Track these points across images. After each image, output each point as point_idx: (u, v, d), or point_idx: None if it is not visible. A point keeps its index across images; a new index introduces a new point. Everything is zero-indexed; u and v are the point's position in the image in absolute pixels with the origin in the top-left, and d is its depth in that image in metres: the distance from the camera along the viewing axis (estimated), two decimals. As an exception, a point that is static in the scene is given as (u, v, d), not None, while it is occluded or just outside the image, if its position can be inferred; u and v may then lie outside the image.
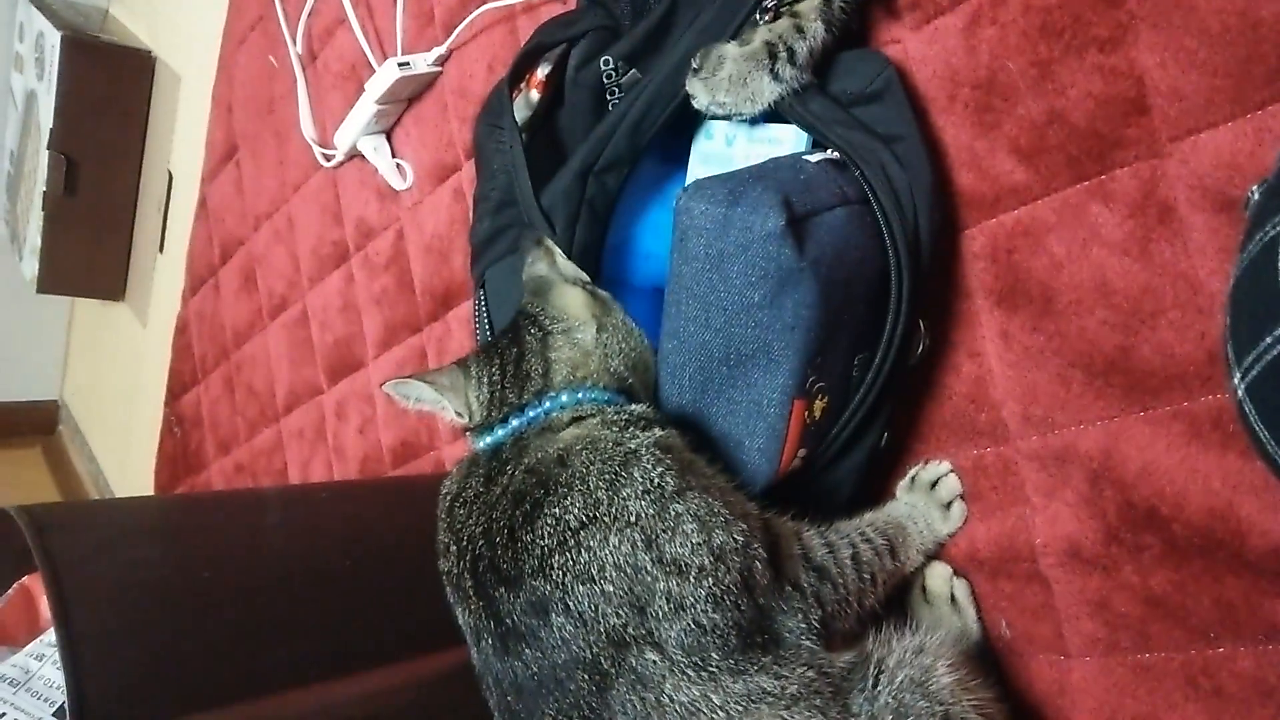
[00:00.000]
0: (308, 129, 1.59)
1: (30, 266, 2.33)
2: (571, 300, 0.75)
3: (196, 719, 0.64)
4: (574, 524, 0.61)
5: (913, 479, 0.82)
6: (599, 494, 0.62)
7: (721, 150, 0.87)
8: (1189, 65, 0.67)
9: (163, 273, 2.24)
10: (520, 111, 0.86)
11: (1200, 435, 0.67)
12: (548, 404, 0.70)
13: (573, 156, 0.81)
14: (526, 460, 0.66)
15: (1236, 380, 0.47)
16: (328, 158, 1.54)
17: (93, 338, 2.71)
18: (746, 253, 0.65)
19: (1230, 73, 0.65)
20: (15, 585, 0.93)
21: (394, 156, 1.43)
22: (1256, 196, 0.52)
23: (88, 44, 2.15)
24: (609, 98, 0.83)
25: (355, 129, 1.42)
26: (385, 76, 1.32)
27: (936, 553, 0.81)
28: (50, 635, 0.81)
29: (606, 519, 0.61)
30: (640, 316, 0.76)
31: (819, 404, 0.72)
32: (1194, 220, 0.67)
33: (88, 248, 2.33)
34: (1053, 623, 0.75)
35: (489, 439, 0.70)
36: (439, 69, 1.32)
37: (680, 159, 0.88)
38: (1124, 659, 0.71)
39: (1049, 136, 0.74)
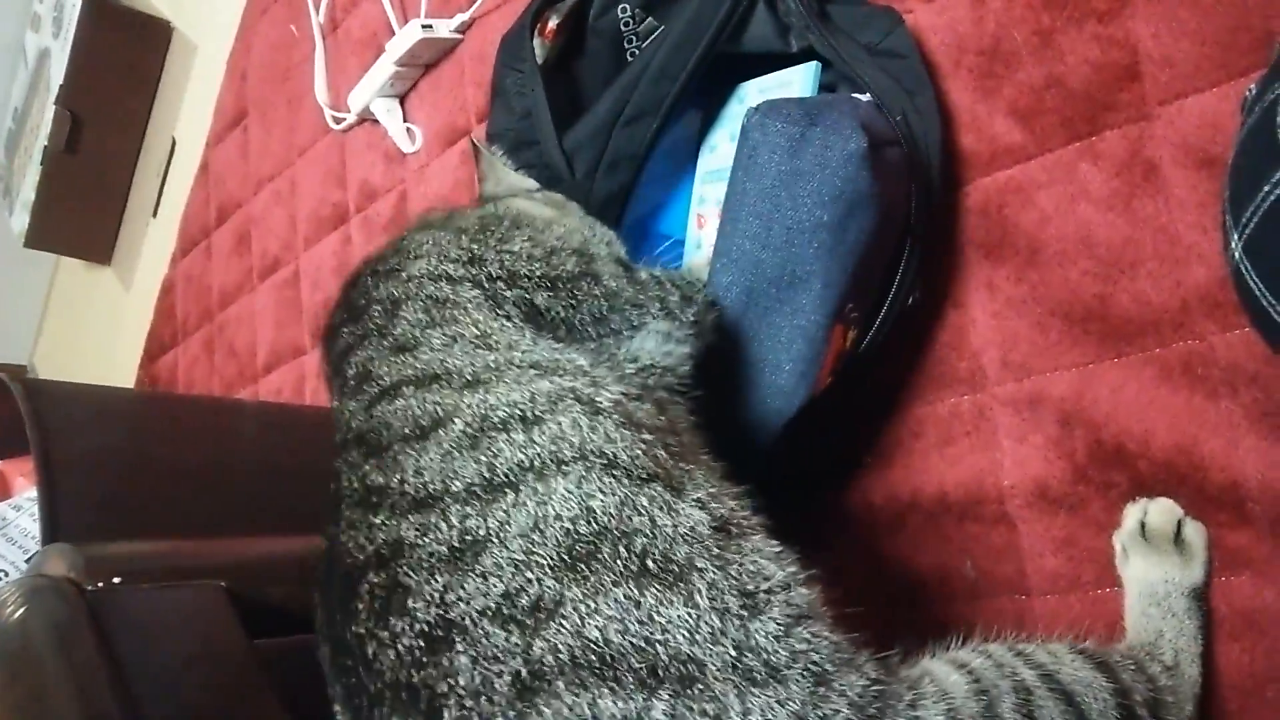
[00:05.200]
0: (321, 93, 1.62)
1: (20, 220, 2.33)
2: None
3: (172, 539, 0.64)
4: None
5: (1142, 533, 0.69)
6: None
7: (725, 152, 0.90)
8: (1180, 34, 0.72)
9: (153, 237, 2.24)
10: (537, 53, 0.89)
11: (1170, 378, 0.71)
12: None
13: (597, 104, 0.84)
14: None
15: (1234, 242, 0.49)
16: (338, 120, 1.57)
17: (72, 301, 2.69)
18: (823, 171, 0.67)
19: (1218, 41, 0.70)
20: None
21: (405, 120, 1.46)
22: (1253, 89, 0.55)
23: (108, 7, 2.19)
24: (627, 46, 0.86)
25: (371, 89, 1.45)
26: (407, 37, 1.36)
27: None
28: (30, 491, 0.82)
29: None
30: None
31: (852, 333, 0.75)
32: (1176, 177, 0.72)
33: (81, 207, 2.33)
34: (1016, 562, 0.77)
35: None
36: (460, 36, 1.36)
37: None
38: (1084, 594, 0.74)
39: (1046, 100, 0.79)
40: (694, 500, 0.51)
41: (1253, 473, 0.66)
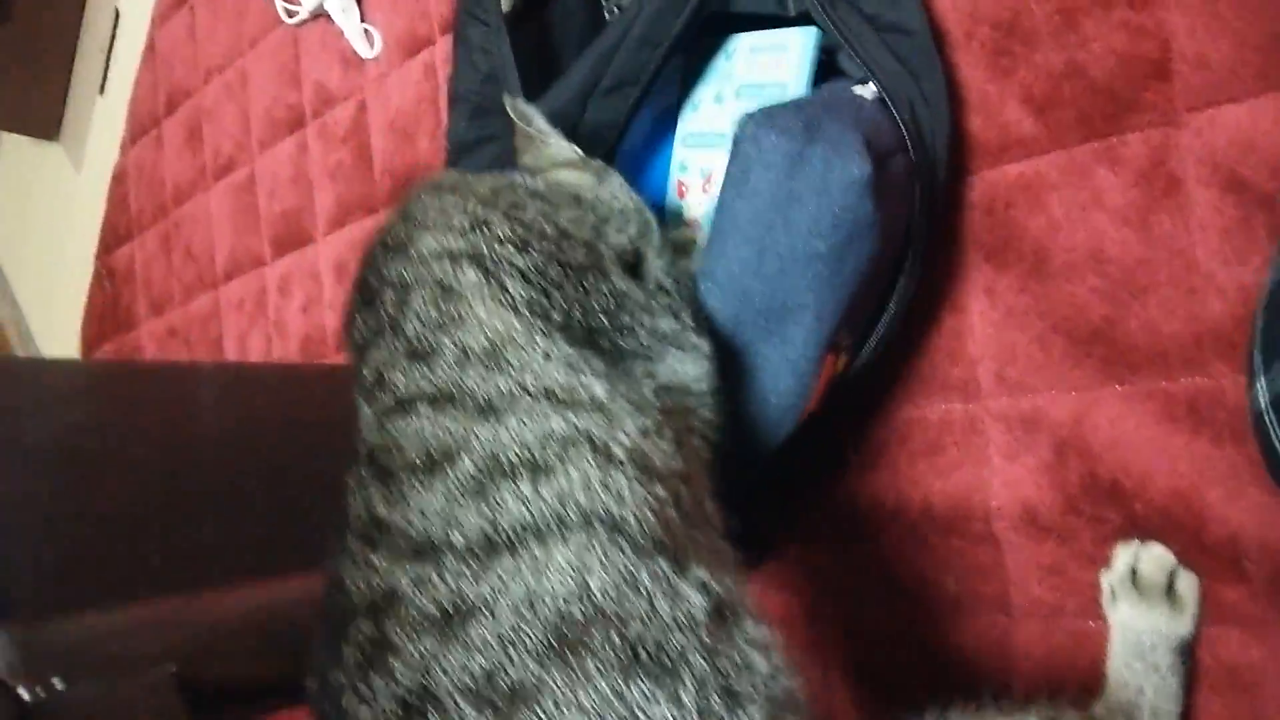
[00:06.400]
0: (271, -20, 1.48)
1: (-45, 95, 2.18)
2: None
3: (118, 612, 0.61)
4: None
5: (1132, 579, 0.67)
6: None
7: (709, 114, 0.82)
8: (1220, 33, 0.64)
9: (101, 116, 2.10)
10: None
11: (1174, 417, 0.67)
12: None
13: (571, 71, 0.75)
14: None
15: (1261, 388, 0.45)
16: (290, 14, 1.44)
17: (19, 176, 2.56)
18: (821, 198, 0.59)
19: (1261, 46, 0.62)
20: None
21: (363, 21, 1.34)
22: None
23: None
24: (605, 4, 0.76)
25: (323, -13, 1.32)
26: (361, -67, 1.22)
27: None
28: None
29: None
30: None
31: (843, 358, 0.69)
32: (1200, 196, 0.65)
33: (21, 81, 2.17)
34: (1000, 583, 0.75)
35: None
36: (420, -68, 1.23)
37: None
38: (1068, 624, 0.72)
39: (1064, 90, 0.71)
40: (696, 580, 0.48)
41: (1253, 528, 0.63)
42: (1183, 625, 0.64)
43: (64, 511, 0.76)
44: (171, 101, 1.80)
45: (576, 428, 0.50)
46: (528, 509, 0.47)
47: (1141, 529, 0.68)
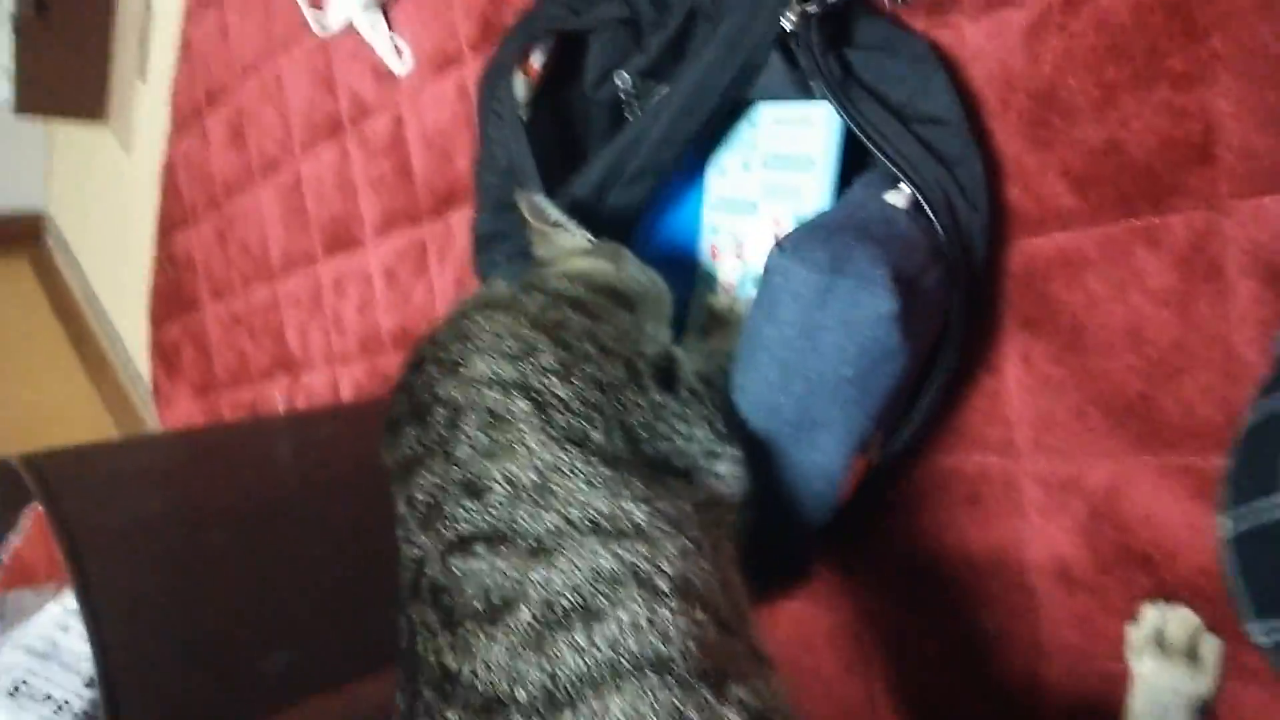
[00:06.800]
0: (297, -16, 1.47)
1: (4, 88, 2.22)
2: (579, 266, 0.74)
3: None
4: None
5: (1157, 638, 0.70)
6: None
7: (737, 181, 0.82)
8: (1268, 123, 0.63)
9: (145, 103, 2.13)
10: (518, 91, 0.79)
11: (1205, 495, 0.68)
12: None
13: (591, 164, 0.76)
14: None
15: (1227, 523, 0.47)
16: (320, 24, 1.43)
17: (75, 155, 2.61)
18: (847, 329, 0.61)
19: (1309, 139, 0.61)
20: (32, 516, 0.95)
21: (391, 31, 1.33)
22: None
23: None
24: (626, 109, 0.77)
25: (350, 2, 1.31)
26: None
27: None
28: (70, 600, 0.84)
29: None
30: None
31: (875, 452, 0.72)
32: (1241, 287, 0.65)
33: (65, 69, 2.21)
34: (1033, 626, 0.79)
35: None
36: (443, -53, 1.21)
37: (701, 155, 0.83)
38: (1098, 666, 0.75)
39: (1104, 167, 0.70)
40: (735, 699, 0.52)
41: (1284, 612, 0.65)
42: (1203, 685, 0.68)
43: (165, 598, 0.83)
44: (211, 97, 1.82)
45: (622, 561, 0.55)
46: (583, 659, 0.52)
47: (1170, 593, 0.70)
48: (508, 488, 0.58)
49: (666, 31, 0.75)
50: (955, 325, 0.70)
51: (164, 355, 2.17)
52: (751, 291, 0.83)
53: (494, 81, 0.80)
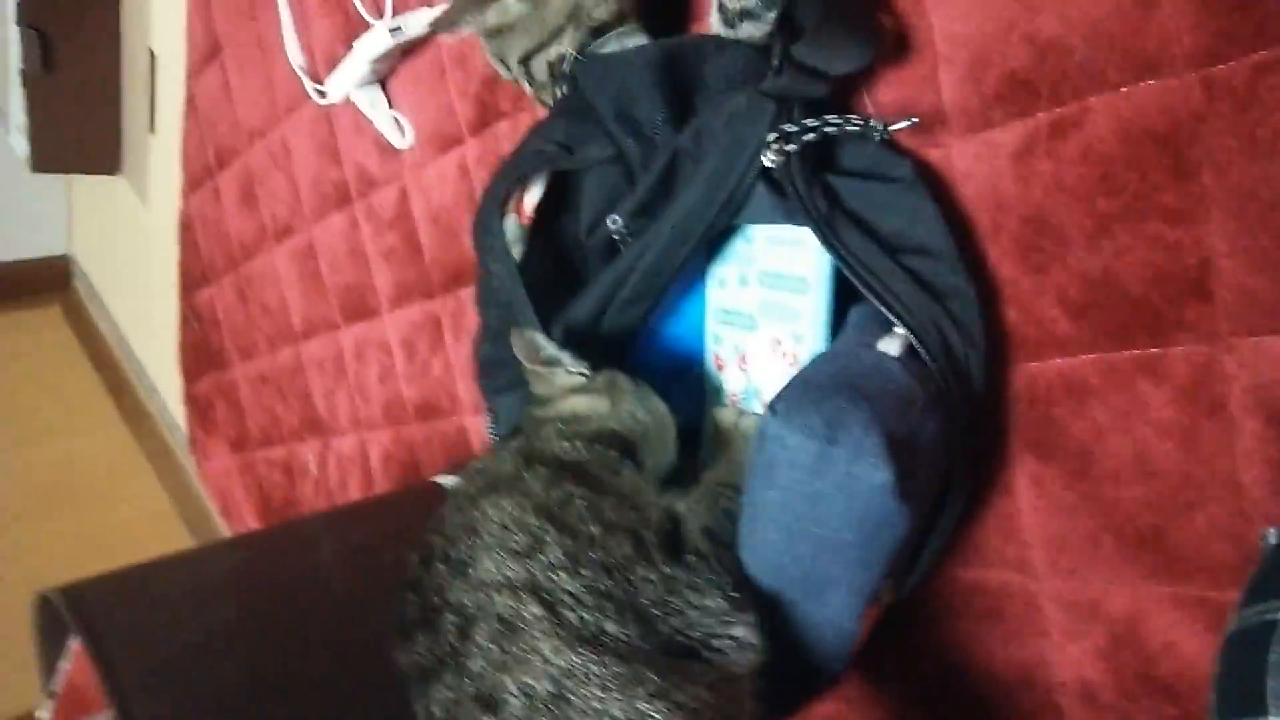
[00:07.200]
0: (295, 57, 1.47)
1: (20, 144, 2.25)
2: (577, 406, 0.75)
3: None
4: None
5: None
6: None
7: (735, 294, 0.82)
8: (1263, 267, 0.61)
9: (157, 155, 2.15)
10: (510, 231, 0.80)
11: (1222, 628, 0.67)
12: None
13: (587, 292, 0.76)
14: None
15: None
16: (320, 93, 1.43)
17: (95, 204, 2.64)
18: (846, 497, 0.61)
19: (1309, 285, 0.60)
20: (75, 646, 0.98)
21: (391, 108, 1.33)
22: (1273, 540, 0.50)
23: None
24: (616, 237, 0.77)
25: (348, 81, 1.31)
26: (377, 41, 1.20)
27: None
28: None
29: None
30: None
31: (889, 595, 0.72)
32: (1245, 424, 0.64)
33: (76, 124, 2.23)
34: (1061, 746, 0.79)
35: None
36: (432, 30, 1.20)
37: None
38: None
39: (1100, 295, 0.69)
40: None
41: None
42: None
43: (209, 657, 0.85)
44: (220, 158, 1.83)
45: None
46: None
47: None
48: (524, 699, 0.58)
49: (653, 173, 0.74)
50: (958, 468, 0.69)
51: (198, 409, 2.20)
52: (756, 406, 0.83)
53: (487, 218, 0.80)
